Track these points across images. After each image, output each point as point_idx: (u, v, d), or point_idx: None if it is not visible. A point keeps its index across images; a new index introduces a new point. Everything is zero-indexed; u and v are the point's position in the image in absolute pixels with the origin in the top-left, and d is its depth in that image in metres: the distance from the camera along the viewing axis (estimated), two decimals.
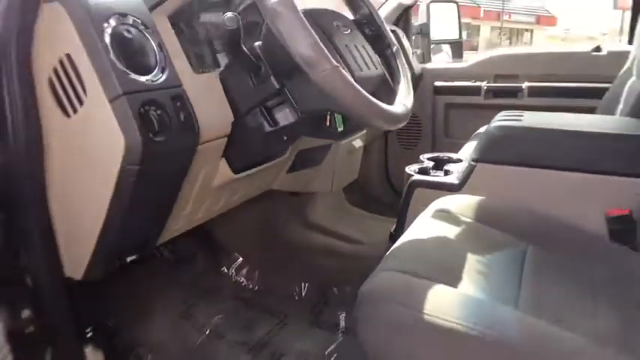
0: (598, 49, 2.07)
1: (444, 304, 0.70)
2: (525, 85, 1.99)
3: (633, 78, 1.55)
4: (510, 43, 30.45)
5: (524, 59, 2.16)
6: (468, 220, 1.03)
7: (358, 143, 1.70)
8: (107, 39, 0.77)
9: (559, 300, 0.80)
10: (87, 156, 0.80)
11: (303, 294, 1.55)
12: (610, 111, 1.64)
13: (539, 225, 1.04)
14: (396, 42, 1.15)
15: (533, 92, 1.98)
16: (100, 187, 0.81)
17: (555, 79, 2.00)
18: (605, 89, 1.75)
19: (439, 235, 0.96)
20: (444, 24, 2.40)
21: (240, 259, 1.60)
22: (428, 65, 2.21)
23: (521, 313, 0.73)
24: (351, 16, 1.14)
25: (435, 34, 2.32)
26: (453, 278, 0.79)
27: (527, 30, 32.69)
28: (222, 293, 1.51)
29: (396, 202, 2.13)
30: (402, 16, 2.18)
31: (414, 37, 2.29)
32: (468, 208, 1.05)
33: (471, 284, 0.79)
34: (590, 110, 1.74)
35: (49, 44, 0.77)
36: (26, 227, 0.83)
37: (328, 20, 0.96)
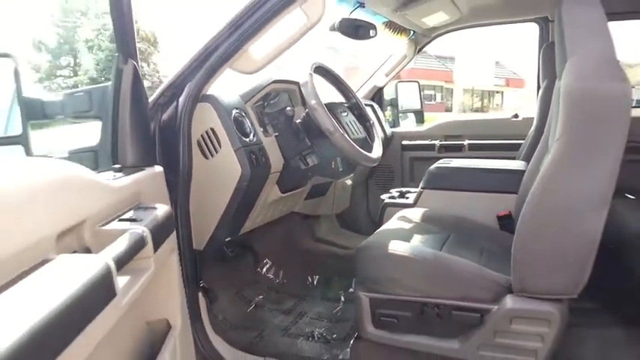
0: (516, 116, 2.88)
1: (402, 247, 1.40)
2: (466, 142, 2.78)
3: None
4: (482, 104, 31.72)
5: (465, 124, 2.95)
6: (418, 221, 1.76)
7: (349, 182, 2.45)
8: (232, 120, 1.51)
9: (461, 252, 1.52)
10: (217, 178, 1.50)
11: (315, 283, 2.24)
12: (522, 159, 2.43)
13: (457, 223, 1.76)
14: (372, 118, 1.94)
15: (472, 147, 2.77)
16: (223, 194, 1.51)
17: (487, 138, 2.78)
18: (520, 144, 2.54)
19: (400, 228, 1.69)
20: (408, 98, 3.14)
21: (269, 262, 2.28)
22: (397, 129, 2.96)
23: (439, 251, 1.46)
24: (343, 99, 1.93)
25: (402, 106, 3.06)
26: (407, 241, 1.51)
27: (497, 92, 34.43)
28: (259, 283, 2.19)
29: (372, 226, 2.82)
30: (377, 94, 2.95)
31: (386, 109, 3.05)
32: (418, 215, 1.79)
33: (416, 243, 1.53)
34: (512, 159, 2.51)
35: (200, 123, 1.47)
36: (178, 217, 1.45)
37: (336, 108, 1.74)
